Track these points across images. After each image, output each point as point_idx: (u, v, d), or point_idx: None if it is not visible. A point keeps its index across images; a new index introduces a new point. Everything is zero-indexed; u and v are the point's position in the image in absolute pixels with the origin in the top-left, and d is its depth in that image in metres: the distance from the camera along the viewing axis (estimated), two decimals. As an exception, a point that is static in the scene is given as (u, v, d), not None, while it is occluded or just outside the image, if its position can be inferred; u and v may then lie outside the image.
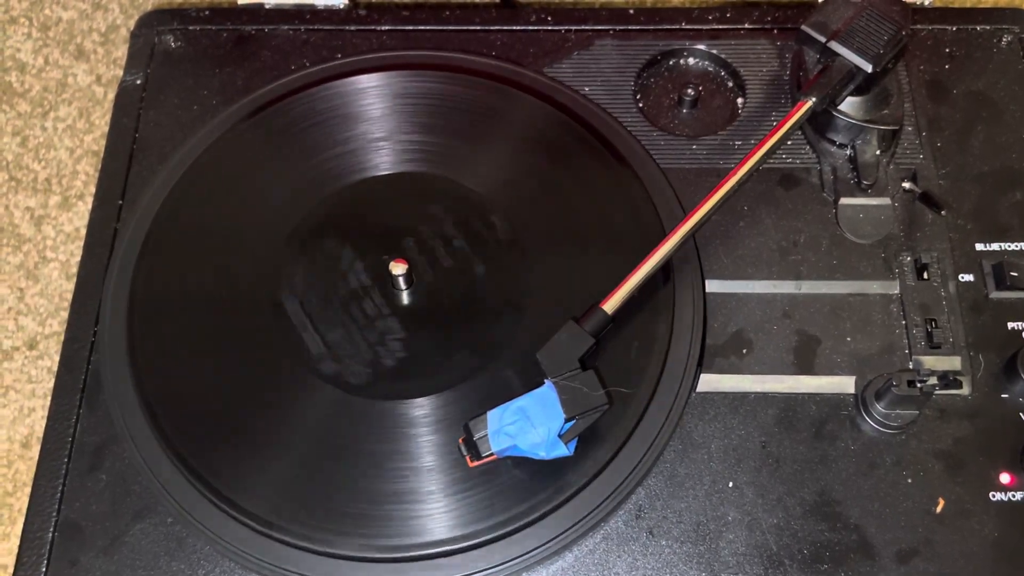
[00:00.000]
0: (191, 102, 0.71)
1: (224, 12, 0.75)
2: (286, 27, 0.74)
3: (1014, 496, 0.56)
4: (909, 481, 0.57)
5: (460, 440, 0.55)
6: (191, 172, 0.66)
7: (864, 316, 0.61)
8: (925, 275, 0.62)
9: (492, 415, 0.54)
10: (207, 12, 0.75)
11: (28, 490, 0.59)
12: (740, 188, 0.59)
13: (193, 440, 0.58)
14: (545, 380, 0.55)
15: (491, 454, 0.54)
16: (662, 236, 0.59)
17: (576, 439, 0.55)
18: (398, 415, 0.58)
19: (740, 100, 0.70)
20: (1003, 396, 0.59)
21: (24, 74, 0.90)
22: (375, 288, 0.62)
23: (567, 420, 0.53)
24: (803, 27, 0.63)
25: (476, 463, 0.55)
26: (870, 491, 0.57)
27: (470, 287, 0.62)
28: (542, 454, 0.54)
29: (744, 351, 0.61)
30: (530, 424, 0.53)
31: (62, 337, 0.63)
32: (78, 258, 0.66)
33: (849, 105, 0.64)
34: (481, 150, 0.67)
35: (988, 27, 0.72)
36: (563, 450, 0.54)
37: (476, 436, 0.54)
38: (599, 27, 0.73)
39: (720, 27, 0.72)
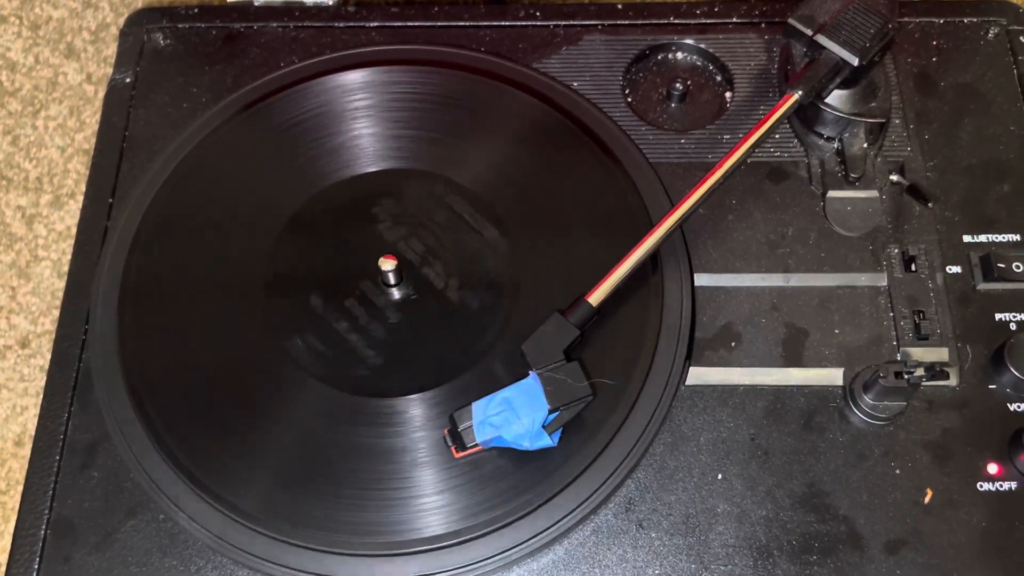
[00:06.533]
0: (181, 100, 0.71)
1: (213, 10, 0.75)
2: (275, 25, 0.74)
3: (1002, 486, 0.57)
4: (897, 472, 0.57)
5: (445, 431, 0.55)
6: (181, 169, 0.66)
7: (852, 308, 0.62)
8: (913, 267, 0.62)
9: (477, 406, 0.54)
10: (196, 10, 0.75)
11: (20, 488, 0.59)
12: (727, 181, 0.60)
13: (184, 437, 0.58)
14: (530, 371, 0.55)
15: (476, 445, 0.54)
16: (650, 229, 0.59)
17: (560, 430, 0.55)
18: (388, 411, 0.58)
19: (728, 94, 0.70)
20: (990, 387, 0.59)
21: (14, 73, 0.90)
22: (365, 284, 0.62)
23: (551, 411, 0.54)
24: (790, 20, 0.63)
25: (461, 454, 0.55)
26: (859, 482, 0.57)
27: (460, 281, 0.62)
28: (526, 444, 0.54)
29: (733, 344, 0.61)
30: (515, 415, 0.53)
31: (54, 335, 0.63)
32: (69, 256, 0.66)
33: (836, 98, 0.65)
34: (470, 145, 0.67)
35: (975, 19, 0.72)
36: (547, 440, 0.54)
37: (461, 427, 0.54)
38: (587, 22, 0.73)
39: (708, 21, 0.72)
